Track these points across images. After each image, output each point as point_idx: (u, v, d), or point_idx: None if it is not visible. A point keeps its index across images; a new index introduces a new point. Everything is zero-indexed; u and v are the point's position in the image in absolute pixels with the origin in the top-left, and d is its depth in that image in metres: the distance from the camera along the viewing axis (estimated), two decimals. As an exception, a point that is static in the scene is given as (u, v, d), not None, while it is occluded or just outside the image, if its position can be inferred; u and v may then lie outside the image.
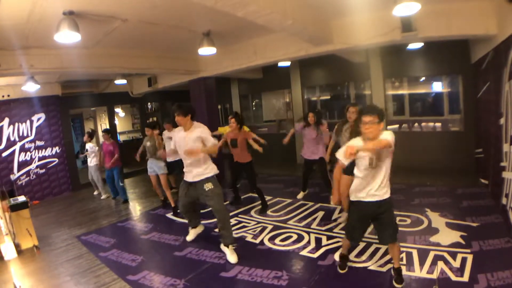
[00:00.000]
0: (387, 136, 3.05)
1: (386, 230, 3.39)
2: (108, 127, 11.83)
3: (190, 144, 4.32)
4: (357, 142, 3.25)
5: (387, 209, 3.36)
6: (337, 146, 4.90)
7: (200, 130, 4.40)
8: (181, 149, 4.44)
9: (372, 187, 3.28)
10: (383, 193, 3.30)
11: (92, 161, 8.41)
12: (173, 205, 6.66)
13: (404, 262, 3.92)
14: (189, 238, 5.23)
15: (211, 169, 4.51)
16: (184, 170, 4.61)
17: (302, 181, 6.89)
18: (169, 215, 6.62)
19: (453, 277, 3.51)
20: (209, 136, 4.38)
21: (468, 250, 4.04)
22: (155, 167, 6.76)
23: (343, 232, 4.97)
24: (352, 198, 3.50)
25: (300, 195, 6.92)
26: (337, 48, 6.23)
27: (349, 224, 3.68)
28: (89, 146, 8.38)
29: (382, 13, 5.25)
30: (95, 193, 9.05)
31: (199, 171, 4.46)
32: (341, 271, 3.86)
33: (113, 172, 7.91)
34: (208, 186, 4.43)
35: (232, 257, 4.42)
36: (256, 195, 6.52)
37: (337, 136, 5.30)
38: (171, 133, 5.44)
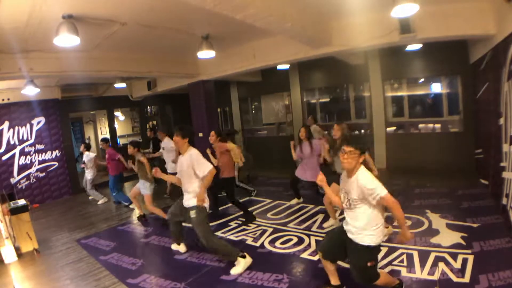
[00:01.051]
0: (379, 190, 2.84)
1: (353, 270, 3.15)
2: (108, 130, 11.86)
3: (184, 168, 4.34)
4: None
5: (356, 253, 3.08)
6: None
7: (189, 155, 4.31)
8: (180, 173, 4.48)
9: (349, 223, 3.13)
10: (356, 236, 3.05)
11: (89, 173, 8.42)
12: (164, 216, 6.47)
13: (405, 263, 3.92)
14: (174, 247, 5.14)
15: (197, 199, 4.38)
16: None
17: (293, 190, 6.79)
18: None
19: (454, 278, 3.50)
20: (199, 164, 4.26)
21: (469, 251, 4.04)
22: (141, 186, 6.41)
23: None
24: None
25: (294, 201, 6.84)
26: (335, 50, 6.25)
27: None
28: (85, 155, 8.37)
29: (380, 15, 5.27)
30: (90, 198, 8.99)
31: (188, 198, 4.41)
32: None
33: (112, 179, 7.95)
34: (192, 213, 4.32)
35: (236, 269, 4.23)
36: (253, 198, 6.47)
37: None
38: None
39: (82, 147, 8.44)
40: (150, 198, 6.31)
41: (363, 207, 2.97)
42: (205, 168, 4.25)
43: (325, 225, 5.41)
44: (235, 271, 4.19)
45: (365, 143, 3.03)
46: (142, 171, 6.25)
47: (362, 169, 2.99)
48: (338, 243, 3.27)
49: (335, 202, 3.40)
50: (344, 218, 3.26)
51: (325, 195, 5.66)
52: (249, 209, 6.36)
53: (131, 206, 7.73)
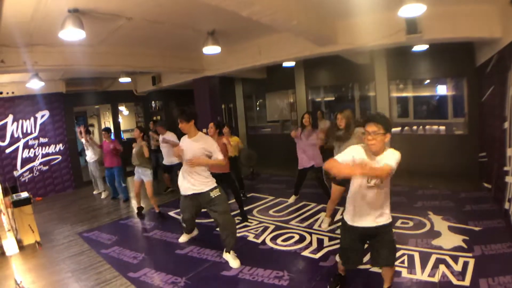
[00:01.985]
0: (391, 161, 2.67)
1: (385, 252, 3.01)
2: (111, 125, 11.87)
3: (197, 153, 4.14)
4: (358, 151, 2.89)
5: (387, 234, 3.02)
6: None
7: (204, 142, 4.22)
8: (186, 157, 4.19)
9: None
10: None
11: (91, 157, 8.35)
12: (157, 210, 6.53)
13: (406, 264, 3.92)
14: (183, 239, 5.13)
15: (211, 179, 4.34)
16: (182, 183, 4.37)
17: (296, 187, 6.73)
18: (171, 213, 6.63)
19: (455, 281, 3.49)
20: (217, 151, 4.21)
21: (470, 254, 4.02)
22: (141, 174, 6.47)
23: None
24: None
25: (292, 198, 6.79)
26: (341, 49, 6.24)
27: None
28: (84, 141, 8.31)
29: (387, 15, 5.24)
30: (95, 192, 8.97)
31: (203, 182, 4.26)
32: None
33: (113, 171, 7.83)
34: (215, 193, 4.25)
35: (235, 262, 4.30)
36: (255, 195, 6.45)
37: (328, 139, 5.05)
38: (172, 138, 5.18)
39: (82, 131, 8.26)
40: (151, 184, 6.44)
41: (383, 192, 2.89)
42: (219, 154, 4.22)
43: (323, 226, 5.34)
44: (235, 264, 4.27)
45: (390, 121, 2.68)
46: (142, 158, 6.30)
47: (389, 149, 2.82)
48: (361, 251, 3.20)
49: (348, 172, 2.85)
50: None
51: (330, 190, 5.67)
52: (252, 205, 6.44)
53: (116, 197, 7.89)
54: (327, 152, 5.36)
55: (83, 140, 8.26)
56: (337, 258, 3.58)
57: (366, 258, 4.06)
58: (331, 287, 3.56)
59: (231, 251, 4.38)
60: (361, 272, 3.84)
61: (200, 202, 4.35)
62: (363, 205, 2.96)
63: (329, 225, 5.31)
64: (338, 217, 5.65)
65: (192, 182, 4.25)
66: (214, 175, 4.51)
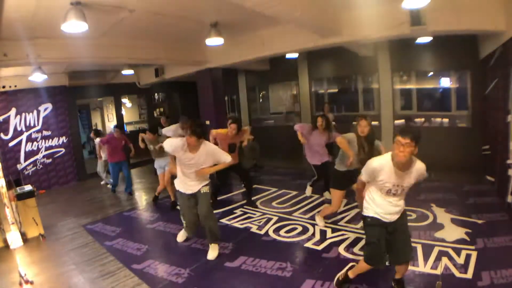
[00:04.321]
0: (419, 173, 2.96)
1: (406, 246, 3.15)
2: (114, 117, 11.89)
3: (200, 162, 4.21)
4: (385, 163, 2.93)
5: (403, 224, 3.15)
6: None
7: (207, 150, 4.23)
8: (191, 168, 4.24)
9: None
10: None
11: (102, 156, 8.50)
12: (172, 199, 6.58)
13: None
14: (180, 239, 5.04)
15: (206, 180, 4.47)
16: (183, 183, 4.43)
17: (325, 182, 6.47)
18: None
19: (457, 274, 3.50)
20: (221, 155, 4.34)
21: (473, 247, 4.03)
22: (164, 164, 6.52)
23: (348, 225, 4.99)
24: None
25: (308, 191, 6.69)
26: (345, 41, 6.20)
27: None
28: (97, 141, 8.42)
29: (391, 7, 5.20)
30: (102, 182, 9.12)
31: (203, 182, 4.41)
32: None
33: (121, 165, 7.86)
34: (205, 189, 4.38)
35: (213, 253, 4.38)
36: (259, 187, 6.48)
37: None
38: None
39: (92, 134, 8.51)
40: (164, 177, 6.55)
41: (403, 195, 3.05)
42: (225, 157, 4.35)
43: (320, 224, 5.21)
44: (212, 255, 4.35)
45: (418, 131, 2.78)
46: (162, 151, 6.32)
47: (417, 160, 2.94)
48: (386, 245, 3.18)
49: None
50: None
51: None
52: (256, 197, 6.50)
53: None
54: (335, 148, 5.38)
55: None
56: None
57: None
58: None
59: (213, 243, 4.44)
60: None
61: (196, 197, 4.44)
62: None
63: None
64: (341, 208, 5.68)
65: (194, 184, 4.37)
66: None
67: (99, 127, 13.69)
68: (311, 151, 6.21)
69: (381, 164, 2.92)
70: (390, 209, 3.04)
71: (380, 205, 3.06)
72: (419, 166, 2.92)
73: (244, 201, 6.47)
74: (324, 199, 6.26)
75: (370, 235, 3.18)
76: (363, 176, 3.13)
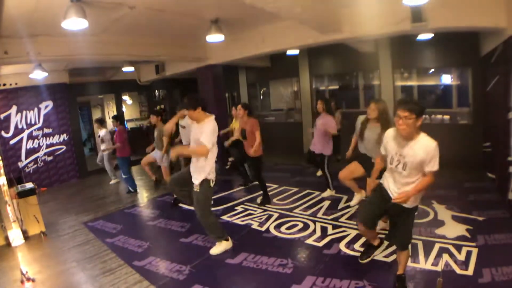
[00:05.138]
0: (430, 155, 2.79)
1: (398, 233, 3.22)
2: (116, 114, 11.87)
3: (197, 137, 4.05)
4: (389, 136, 3.06)
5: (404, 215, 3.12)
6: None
7: (206, 125, 4.04)
8: (193, 143, 4.20)
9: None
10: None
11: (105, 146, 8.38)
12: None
13: (410, 253, 3.92)
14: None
15: (206, 172, 4.11)
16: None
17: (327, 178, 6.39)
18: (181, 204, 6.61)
19: (458, 270, 3.51)
20: (204, 136, 3.97)
21: (473, 244, 4.03)
22: (158, 158, 6.65)
23: (349, 221, 5.00)
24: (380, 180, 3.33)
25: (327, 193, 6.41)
26: (346, 37, 6.17)
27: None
28: (102, 132, 8.33)
29: (392, 3, 5.17)
30: (111, 182, 8.96)
31: (196, 176, 4.17)
32: (360, 261, 3.83)
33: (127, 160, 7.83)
34: (197, 188, 4.14)
35: (215, 250, 4.40)
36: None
37: (361, 135, 4.70)
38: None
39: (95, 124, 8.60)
40: (167, 170, 6.57)
41: (416, 175, 2.93)
42: (205, 141, 3.96)
43: (352, 203, 5.44)
44: (214, 251, 4.36)
45: (422, 106, 2.83)
46: (161, 142, 6.41)
47: (425, 135, 2.87)
48: (378, 212, 3.36)
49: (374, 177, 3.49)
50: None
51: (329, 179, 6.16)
52: (256, 194, 6.52)
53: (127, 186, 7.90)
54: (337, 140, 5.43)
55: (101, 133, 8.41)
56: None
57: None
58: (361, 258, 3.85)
59: (216, 242, 4.45)
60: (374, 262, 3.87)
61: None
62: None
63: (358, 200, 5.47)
64: (341, 205, 5.71)
65: (193, 169, 4.21)
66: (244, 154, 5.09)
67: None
68: (315, 137, 6.28)
69: (389, 134, 3.09)
70: (392, 187, 3.11)
71: (387, 176, 3.21)
72: (425, 142, 2.83)
73: (246, 198, 6.50)
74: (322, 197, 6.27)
75: (369, 196, 3.51)
76: (381, 149, 3.24)
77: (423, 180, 2.90)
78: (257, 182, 6.30)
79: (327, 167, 6.18)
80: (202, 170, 4.09)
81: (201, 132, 4.02)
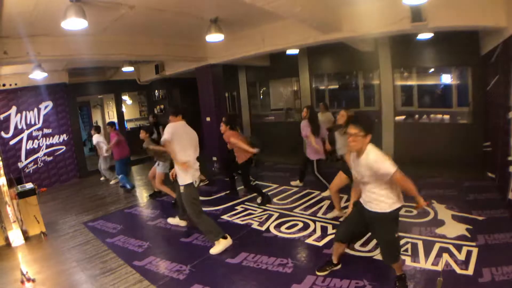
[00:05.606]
0: (374, 167, 2.88)
1: (381, 248, 3.35)
2: (115, 115, 11.90)
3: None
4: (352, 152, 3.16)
5: (378, 223, 3.16)
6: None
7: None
8: None
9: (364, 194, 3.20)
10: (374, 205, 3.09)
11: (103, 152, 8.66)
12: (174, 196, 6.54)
13: (410, 252, 3.93)
14: (170, 220, 5.53)
15: (184, 177, 4.44)
16: None
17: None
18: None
19: (458, 270, 3.51)
20: (164, 135, 4.41)
21: (474, 244, 4.03)
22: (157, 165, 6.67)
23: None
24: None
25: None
26: (345, 36, 6.16)
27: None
28: (99, 139, 8.60)
29: (391, 2, 5.17)
30: (102, 179, 9.24)
31: (178, 173, 4.53)
32: (317, 272, 3.72)
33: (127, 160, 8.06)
34: (182, 188, 4.49)
35: (215, 249, 4.43)
36: (259, 183, 6.50)
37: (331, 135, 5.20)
38: None
39: (92, 130, 8.72)
40: (162, 176, 6.49)
41: (376, 185, 3.00)
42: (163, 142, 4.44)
43: (329, 215, 5.38)
44: (214, 250, 4.39)
45: (371, 123, 3.08)
46: (156, 155, 6.36)
47: (370, 147, 2.95)
48: (355, 229, 3.42)
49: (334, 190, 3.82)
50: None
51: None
52: (255, 194, 6.46)
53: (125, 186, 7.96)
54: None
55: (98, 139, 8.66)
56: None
57: (370, 246, 4.10)
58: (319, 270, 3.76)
59: (214, 242, 4.48)
60: (364, 259, 3.87)
61: None
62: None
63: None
64: (342, 204, 5.69)
65: (176, 171, 4.58)
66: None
67: (100, 125, 13.68)
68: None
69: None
70: (363, 196, 3.21)
71: (362, 189, 3.25)
72: (365, 158, 2.94)
73: (246, 198, 6.50)
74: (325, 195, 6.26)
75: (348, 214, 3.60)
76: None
77: (396, 183, 2.95)
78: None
79: (316, 170, 6.21)
80: (183, 171, 4.42)
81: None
